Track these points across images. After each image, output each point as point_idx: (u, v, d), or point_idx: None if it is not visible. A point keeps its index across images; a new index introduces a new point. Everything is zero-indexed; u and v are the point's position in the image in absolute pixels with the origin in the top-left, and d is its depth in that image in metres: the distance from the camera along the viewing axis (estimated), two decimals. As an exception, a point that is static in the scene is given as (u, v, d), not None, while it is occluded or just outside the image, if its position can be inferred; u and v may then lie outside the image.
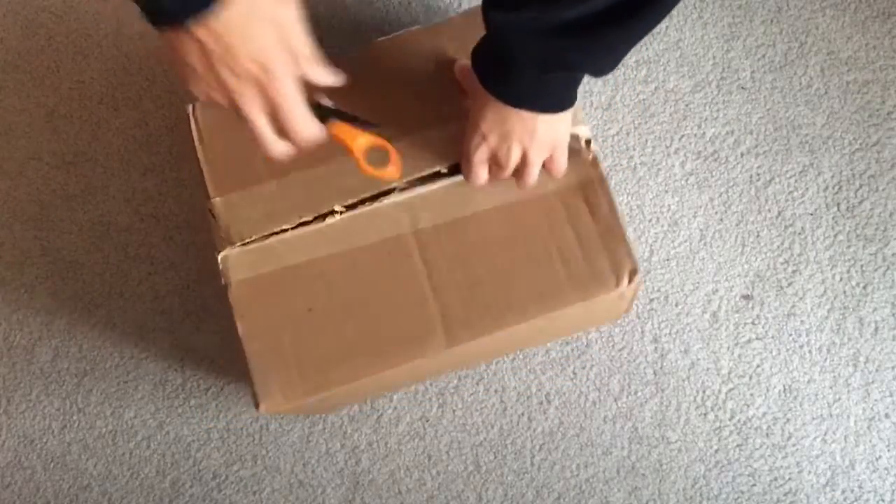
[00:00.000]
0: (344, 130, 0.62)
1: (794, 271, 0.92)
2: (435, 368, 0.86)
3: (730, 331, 0.91)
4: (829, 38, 0.97)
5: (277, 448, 0.92)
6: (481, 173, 0.70)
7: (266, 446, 0.92)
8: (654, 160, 0.95)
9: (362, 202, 0.71)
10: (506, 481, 0.90)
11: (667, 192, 0.94)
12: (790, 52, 0.97)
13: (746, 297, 0.92)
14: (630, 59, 0.98)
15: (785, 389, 0.90)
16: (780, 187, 0.94)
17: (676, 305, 0.92)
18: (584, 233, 0.71)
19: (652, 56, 0.97)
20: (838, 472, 0.89)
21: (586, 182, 0.72)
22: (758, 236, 0.93)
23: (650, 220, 0.94)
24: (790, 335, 0.91)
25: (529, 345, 0.91)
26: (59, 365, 0.95)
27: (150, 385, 0.94)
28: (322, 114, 0.60)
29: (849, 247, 0.93)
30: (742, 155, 0.95)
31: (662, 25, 0.99)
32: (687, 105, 0.96)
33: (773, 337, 0.91)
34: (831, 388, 0.90)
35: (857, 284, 0.92)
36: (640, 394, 0.91)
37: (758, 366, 0.91)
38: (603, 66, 0.62)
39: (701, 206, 0.94)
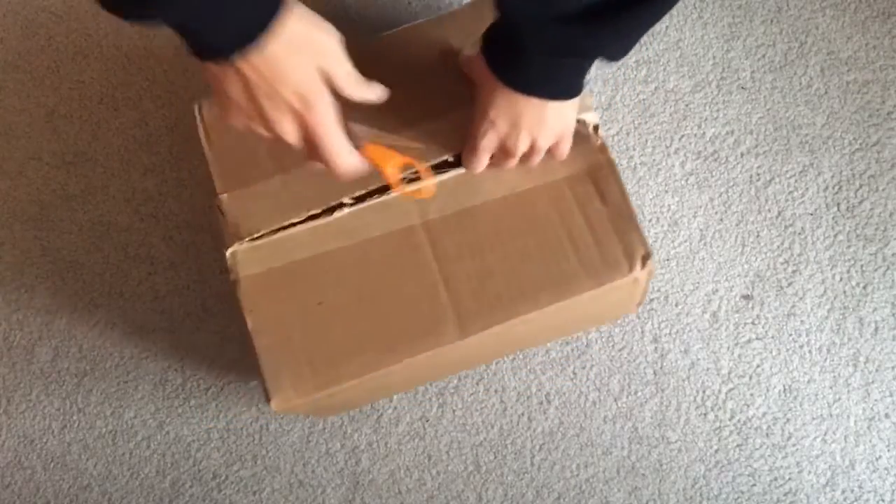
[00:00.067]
0: (377, 152, 0.64)
1: (794, 271, 0.92)
2: (446, 364, 0.85)
3: (730, 331, 0.91)
4: (829, 38, 0.97)
5: (277, 448, 0.92)
6: (484, 160, 0.70)
7: (266, 446, 0.92)
8: (654, 160, 0.95)
9: (370, 194, 0.71)
10: (506, 481, 0.90)
11: (667, 192, 0.94)
12: (790, 52, 0.97)
13: (746, 297, 0.92)
14: (630, 59, 0.98)
15: (785, 389, 0.90)
16: (780, 187, 0.94)
17: (676, 305, 0.92)
18: (595, 219, 0.71)
19: (652, 56, 0.98)
20: (838, 472, 0.89)
21: (595, 168, 0.72)
22: (758, 236, 0.93)
23: (650, 220, 0.94)
24: (790, 335, 0.91)
25: (543, 339, 0.91)
26: (59, 365, 0.95)
27: (150, 385, 0.94)
28: (356, 138, 0.62)
29: (849, 247, 0.93)
30: (742, 155, 0.95)
31: (662, 25, 0.99)
32: (687, 105, 0.96)
33: (773, 337, 0.91)
34: (831, 388, 0.90)
35: (857, 284, 0.92)
36: (640, 394, 0.91)
37: (758, 366, 0.91)
38: (617, 51, 0.61)
39: (701, 206, 0.94)
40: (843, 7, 0.98)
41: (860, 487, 0.88)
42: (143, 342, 0.95)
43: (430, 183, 0.70)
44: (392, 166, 0.65)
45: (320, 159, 0.61)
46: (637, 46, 0.64)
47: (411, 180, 0.69)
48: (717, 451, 0.90)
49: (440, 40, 0.75)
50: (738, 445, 0.90)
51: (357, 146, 0.61)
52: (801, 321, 0.91)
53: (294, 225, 0.71)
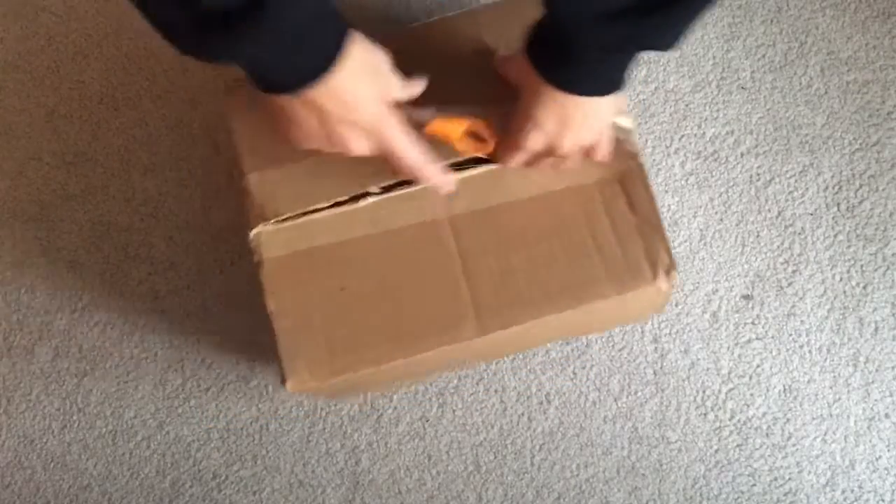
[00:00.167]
0: (443, 126, 0.66)
1: (794, 271, 0.92)
2: (464, 357, 0.85)
3: (730, 331, 0.91)
4: (829, 38, 0.97)
5: (277, 448, 0.92)
6: (524, 159, 0.70)
7: (266, 446, 0.92)
8: (654, 160, 0.95)
9: (398, 185, 0.71)
10: (506, 481, 0.90)
11: (667, 192, 0.94)
12: (790, 52, 0.97)
13: (746, 297, 0.92)
14: (630, 59, 0.98)
15: (785, 389, 0.90)
16: (780, 187, 0.94)
17: (676, 305, 0.92)
18: (622, 225, 0.70)
19: (652, 56, 0.97)
20: (838, 472, 0.89)
21: (626, 174, 0.71)
22: (758, 236, 0.93)
23: (650, 220, 0.94)
24: (790, 335, 0.91)
25: (558, 338, 0.91)
26: (59, 365, 0.95)
27: (150, 385, 0.94)
28: (422, 121, 0.66)
29: (849, 247, 0.93)
30: (742, 155, 0.95)
31: (662, 25, 0.99)
32: (687, 105, 0.96)
33: (773, 337, 0.91)
34: (831, 388, 0.90)
35: (857, 284, 0.92)
36: (640, 394, 0.91)
37: (758, 366, 0.91)
38: (670, 41, 0.60)
39: (701, 206, 0.94)
40: (843, 7, 0.98)
41: (860, 487, 0.88)
42: (143, 342, 0.95)
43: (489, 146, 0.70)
44: (456, 134, 0.67)
45: (402, 173, 0.65)
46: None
47: (475, 161, 0.70)
48: (717, 451, 0.90)
49: (473, 34, 0.74)
50: (738, 445, 0.90)
51: (424, 125, 0.65)
52: (801, 321, 0.91)
53: (320, 210, 0.71)
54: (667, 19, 0.56)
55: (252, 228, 0.71)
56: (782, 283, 0.92)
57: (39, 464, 0.94)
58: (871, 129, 0.95)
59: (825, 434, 0.89)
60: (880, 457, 0.89)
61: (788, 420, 0.90)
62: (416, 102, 0.66)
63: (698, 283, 0.92)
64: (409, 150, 0.63)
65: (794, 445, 0.89)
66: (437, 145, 0.67)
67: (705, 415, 0.90)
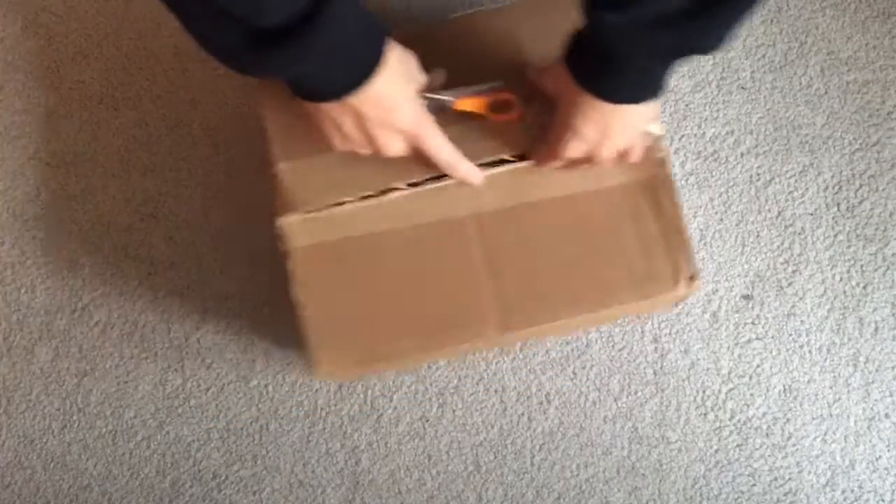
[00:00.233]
0: (468, 104, 0.68)
1: (794, 271, 0.92)
2: (482, 348, 0.87)
3: (730, 331, 0.91)
4: (829, 38, 0.97)
5: (277, 448, 0.92)
6: (560, 166, 0.70)
7: (266, 446, 0.92)
8: (654, 160, 0.95)
9: (427, 181, 0.71)
10: (506, 481, 0.90)
11: (667, 192, 0.94)
12: (790, 52, 0.97)
13: (746, 297, 0.92)
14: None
15: (785, 389, 0.90)
16: (780, 187, 0.94)
17: (676, 305, 0.92)
18: (647, 231, 0.71)
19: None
20: (838, 472, 0.89)
21: (653, 180, 0.71)
22: (758, 236, 0.93)
23: (650, 220, 0.94)
24: (790, 335, 0.91)
25: (575, 330, 0.92)
26: (59, 365, 0.95)
27: (150, 385, 0.94)
28: (447, 103, 0.68)
29: (849, 247, 0.93)
30: (742, 155, 0.95)
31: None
32: (687, 105, 0.96)
33: (773, 337, 0.91)
34: (831, 388, 0.90)
35: (857, 284, 0.92)
36: (640, 394, 0.91)
37: (758, 366, 0.91)
38: (718, 43, 0.59)
39: (701, 206, 0.94)
40: (843, 7, 0.98)
41: (860, 487, 0.88)
42: (143, 342, 0.95)
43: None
44: (485, 110, 0.69)
45: (434, 169, 0.67)
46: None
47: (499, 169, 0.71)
48: (717, 451, 0.90)
49: (505, 31, 0.74)
50: (738, 445, 0.90)
51: (447, 109, 0.68)
52: (801, 321, 0.91)
53: (348, 202, 0.71)
54: (712, 21, 0.56)
55: (279, 217, 0.71)
56: (782, 283, 0.92)
57: (39, 464, 0.94)
58: (871, 129, 0.95)
59: (825, 434, 0.89)
60: (880, 457, 0.89)
61: (788, 420, 0.90)
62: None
63: (698, 283, 0.92)
64: (444, 148, 0.66)
65: (794, 445, 0.89)
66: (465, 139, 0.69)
67: (705, 415, 0.90)
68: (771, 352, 0.91)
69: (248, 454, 0.92)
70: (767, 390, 0.90)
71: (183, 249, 0.96)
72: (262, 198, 0.94)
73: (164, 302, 0.95)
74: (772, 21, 0.98)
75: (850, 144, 0.95)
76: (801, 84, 0.96)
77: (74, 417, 0.94)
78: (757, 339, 0.91)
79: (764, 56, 0.97)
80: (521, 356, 0.92)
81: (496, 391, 0.92)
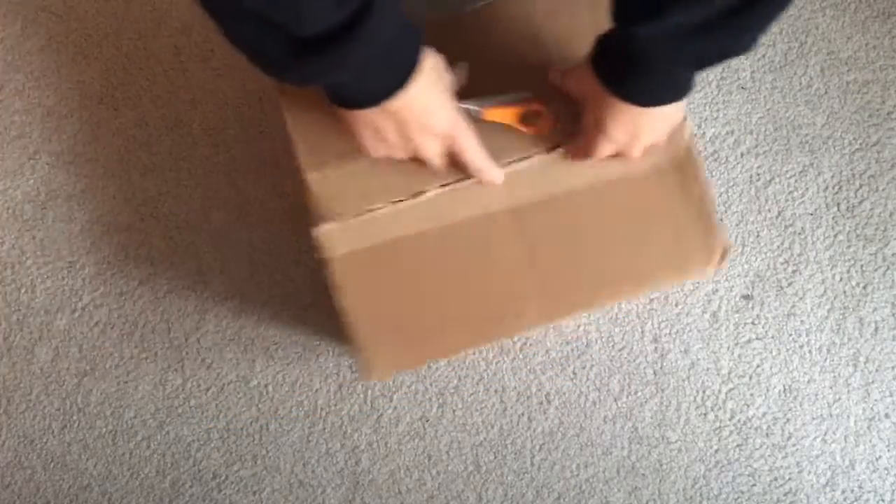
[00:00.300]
0: (497, 114, 0.69)
1: (794, 271, 0.92)
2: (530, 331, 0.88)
3: (730, 331, 0.91)
4: (829, 38, 0.97)
5: (277, 448, 0.92)
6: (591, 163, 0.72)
7: (266, 446, 0.92)
8: (654, 160, 0.95)
9: (457, 181, 0.72)
10: (506, 481, 0.90)
11: (667, 192, 0.94)
12: (790, 52, 0.97)
13: (746, 297, 0.92)
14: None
15: (785, 389, 0.90)
16: (780, 187, 0.94)
17: (676, 305, 0.92)
18: (678, 212, 0.72)
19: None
20: (838, 472, 0.89)
21: (680, 162, 0.72)
22: (758, 236, 0.93)
23: (650, 220, 0.94)
24: (790, 335, 0.91)
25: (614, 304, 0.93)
26: (59, 365, 0.95)
27: (150, 385, 0.94)
28: (475, 112, 0.69)
29: (849, 247, 0.93)
30: (742, 155, 0.95)
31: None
32: (687, 105, 0.96)
33: (773, 337, 0.91)
34: (831, 388, 0.90)
35: (857, 284, 0.92)
36: (640, 394, 0.91)
37: (758, 366, 0.91)
38: (750, 44, 0.59)
39: (701, 206, 0.94)
40: (843, 7, 0.98)
41: (860, 487, 0.88)
42: (143, 342, 0.95)
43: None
44: (514, 117, 0.70)
45: (465, 171, 0.68)
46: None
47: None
48: (717, 451, 0.90)
49: (529, 21, 0.74)
50: (738, 445, 0.90)
51: (480, 116, 0.68)
52: (801, 321, 0.91)
53: (381, 207, 0.72)
54: (745, 22, 0.56)
55: (316, 227, 0.72)
56: (782, 283, 0.92)
57: (39, 464, 0.94)
58: (871, 129, 0.95)
59: (825, 434, 0.89)
60: (880, 457, 0.89)
61: (788, 420, 0.90)
62: (464, 89, 0.69)
63: (698, 283, 0.92)
64: (479, 152, 0.66)
65: (794, 445, 0.89)
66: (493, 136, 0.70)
67: (705, 415, 0.90)
68: (771, 352, 0.91)
69: (248, 454, 0.92)
70: (767, 390, 0.90)
71: (183, 249, 0.96)
72: (263, 198, 0.94)
73: (164, 302, 0.95)
74: (772, 21, 0.98)
75: (850, 144, 0.95)
76: (801, 84, 0.96)
77: (74, 417, 0.94)
78: (757, 339, 0.91)
79: (764, 56, 0.97)
80: (521, 356, 0.92)
81: (496, 391, 0.92)
